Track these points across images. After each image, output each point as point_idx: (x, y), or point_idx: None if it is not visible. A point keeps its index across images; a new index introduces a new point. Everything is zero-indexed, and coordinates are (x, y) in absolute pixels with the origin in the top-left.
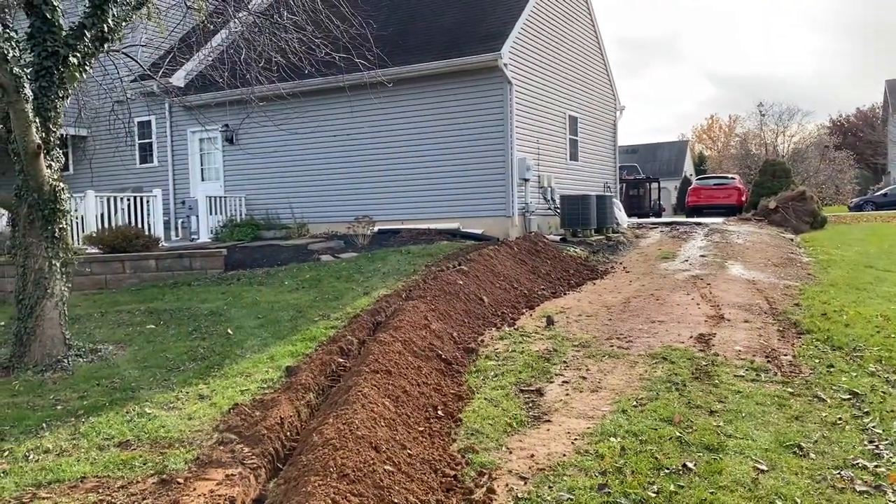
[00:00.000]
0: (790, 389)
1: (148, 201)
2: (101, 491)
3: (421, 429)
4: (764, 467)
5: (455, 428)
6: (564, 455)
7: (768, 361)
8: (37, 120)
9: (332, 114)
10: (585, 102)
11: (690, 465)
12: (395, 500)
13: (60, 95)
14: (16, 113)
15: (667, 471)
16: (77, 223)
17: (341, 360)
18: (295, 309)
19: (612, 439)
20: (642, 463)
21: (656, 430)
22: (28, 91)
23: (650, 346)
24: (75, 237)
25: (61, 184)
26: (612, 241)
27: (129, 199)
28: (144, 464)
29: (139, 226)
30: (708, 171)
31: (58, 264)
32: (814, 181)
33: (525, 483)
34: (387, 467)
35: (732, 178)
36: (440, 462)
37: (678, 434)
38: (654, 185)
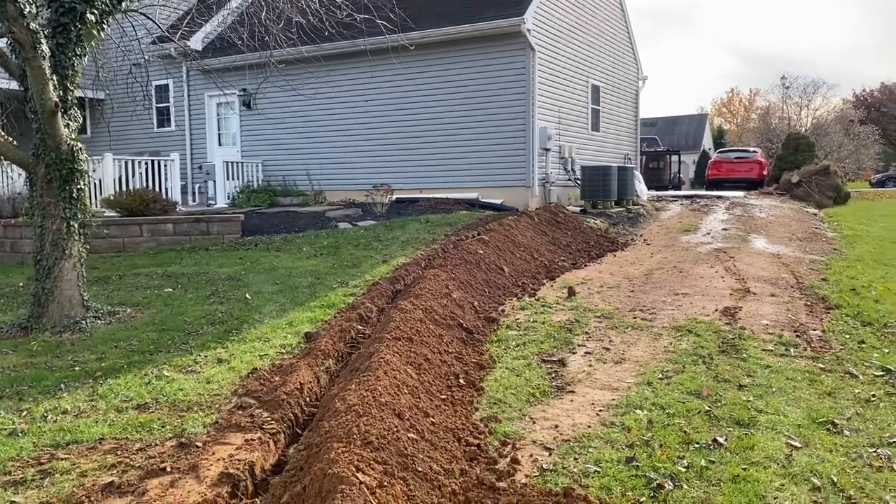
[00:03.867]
0: (821, 365)
1: (165, 165)
2: (119, 453)
3: (443, 397)
4: (797, 444)
5: (477, 397)
6: (589, 426)
7: (797, 336)
8: (54, 78)
9: (350, 79)
10: (608, 71)
11: (721, 439)
12: (419, 469)
13: (78, 53)
14: (33, 70)
15: (696, 445)
16: (95, 186)
17: (360, 328)
18: (313, 275)
19: (638, 412)
20: (670, 436)
21: (684, 403)
22: (45, 48)
23: (674, 319)
24: (93, 200)
25: (79, 144)
26: (633, 213)
27: (146, 163)
28: (163, 426)
29: (156, 190)
30: (727, 144)
31: (76, 225)
32: (836, 156)
33: (550, 454)
34: (410, 435)
35: (754, 152)
36: (463, 431)
37: (707, 408)
38: (675, 157)
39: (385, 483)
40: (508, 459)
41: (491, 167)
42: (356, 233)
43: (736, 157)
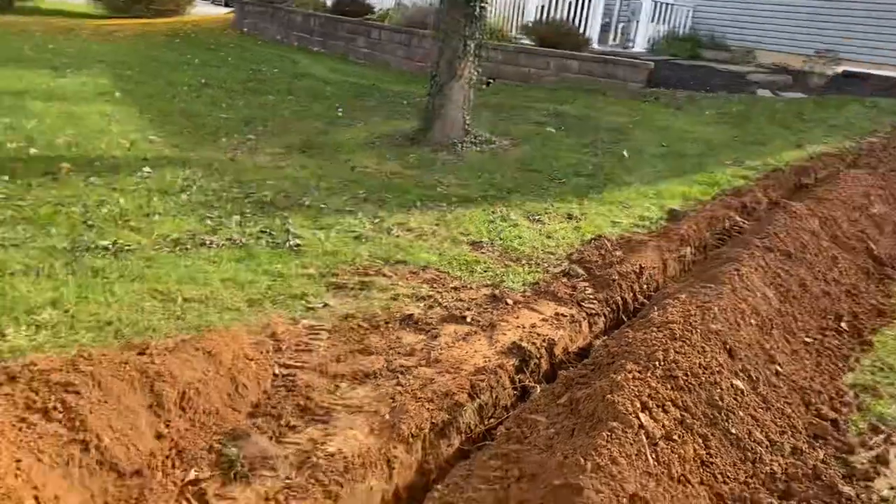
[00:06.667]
0: None
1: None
2: (434, 285)
3: (807, 340)
4: None
5: (859, 353)
6: None
7: None
8: None
9: None
10: None
11: None
12: (733, 431)
13: None
14: None
15: None
16: (517, 10)
17: (739, 220)
18: (706, 144)
19: None
20: None
21: None
22: None
23: None
24: (513, 26)
25: None
26: None
27: None
28: (485, 271)
29: (576, 24)
30: None
31: (472, 45)
32: None
33: None
34: (736, 382)
35: None
36: (818, 395)
37: None
38: None
39: (675, 436)
40: (872, 456)
41: None
42: (775, 104)
43: None
